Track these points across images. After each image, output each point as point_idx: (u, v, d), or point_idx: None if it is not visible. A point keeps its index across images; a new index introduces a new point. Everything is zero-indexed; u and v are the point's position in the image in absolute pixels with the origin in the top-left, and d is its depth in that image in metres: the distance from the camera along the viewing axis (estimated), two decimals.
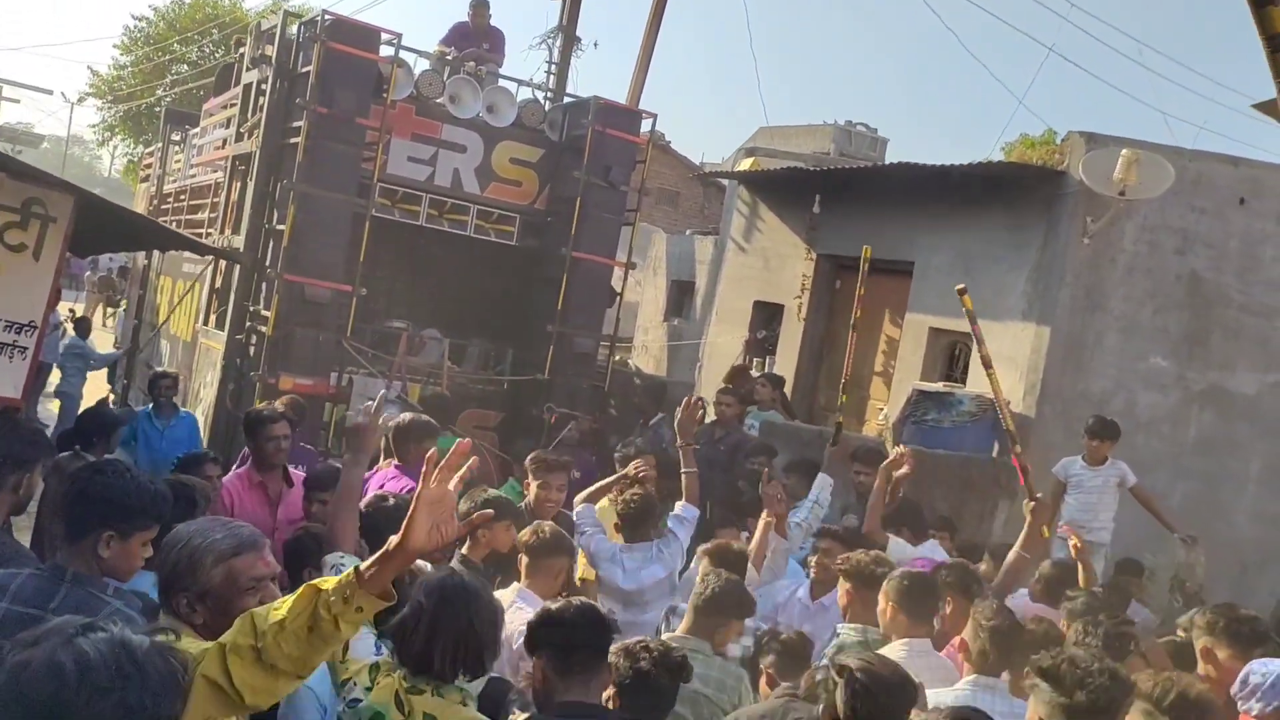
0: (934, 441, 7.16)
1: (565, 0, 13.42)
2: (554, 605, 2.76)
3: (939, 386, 7.88)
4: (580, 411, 7.89)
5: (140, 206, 13.57)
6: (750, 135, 15.43)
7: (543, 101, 8.44)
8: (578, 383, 8.17)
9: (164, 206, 11.80)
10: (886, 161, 14.35)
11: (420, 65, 8.07)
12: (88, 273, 24.10)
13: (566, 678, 2.61)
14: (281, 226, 7.28)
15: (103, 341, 14.57)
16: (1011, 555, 4.56)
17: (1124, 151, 6.90)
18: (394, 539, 2.02)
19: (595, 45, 13.57)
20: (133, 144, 29.88)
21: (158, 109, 21.45)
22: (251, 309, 7.67)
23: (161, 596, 2.32)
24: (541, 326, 8.11)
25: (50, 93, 42.76)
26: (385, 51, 7.60)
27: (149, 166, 14.19)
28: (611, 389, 8.74)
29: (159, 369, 8.88)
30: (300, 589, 1.98)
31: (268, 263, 7.52)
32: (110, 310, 21.43)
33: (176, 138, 12.09)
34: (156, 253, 11.39)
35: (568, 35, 13.47)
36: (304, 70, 7.38)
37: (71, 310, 13.76)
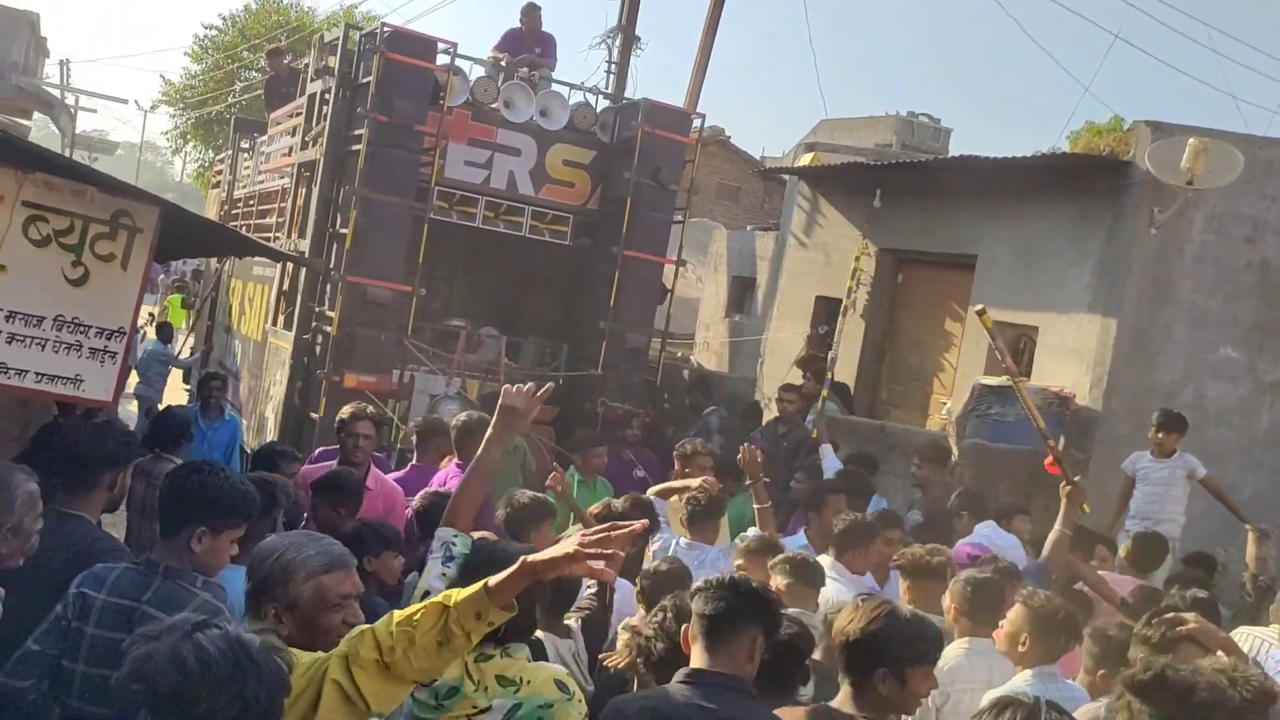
0: (998, 435, 7.14)
1: (624, 0, 13.46)
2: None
3: (1003, 380, 7.81)
4: (633, 405, 8.01)
5: (212, 211, 14.02)
6: (811, 128, 15.27)
7: (595, 104, 8.60)
8: (630, 377, 8.32)
9: (234, 211, 12.17)
10: (950, 152, 14.13)
11: (476, 72, 8.28)
12: (161, 276, 24.88)
13: (714, 649, 2.57)
14: (344, 230, 7.54)
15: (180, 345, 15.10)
16: (1053, 534, 4.60)
17: (1191, 140, 6.77)
18: (535, 559, 2.11)
19: (644, 44, 13.58)
20: (204, 150, 30.72)
21: (228, 115, 22.07)
22: (317, 310, 7.94)
23: (249, 602, 2.39)
24: (595, 323, 8.28)
25: (125, 101, 44.21)
26: (442, 60, 7.80)
27: (220, 173, 14.62)
28: (664, 383, 8.89)
29: (209, 371, 9.20)
30: (426, 605, 2.09)
31: (331, 265, 7.79)
32: (186, 313, 22.09)
33: (245, 145, 12.44)
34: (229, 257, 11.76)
35: (627, 35, 13.51)
36: (364, 80, 7.63)
37: (151, 315, 14.23)
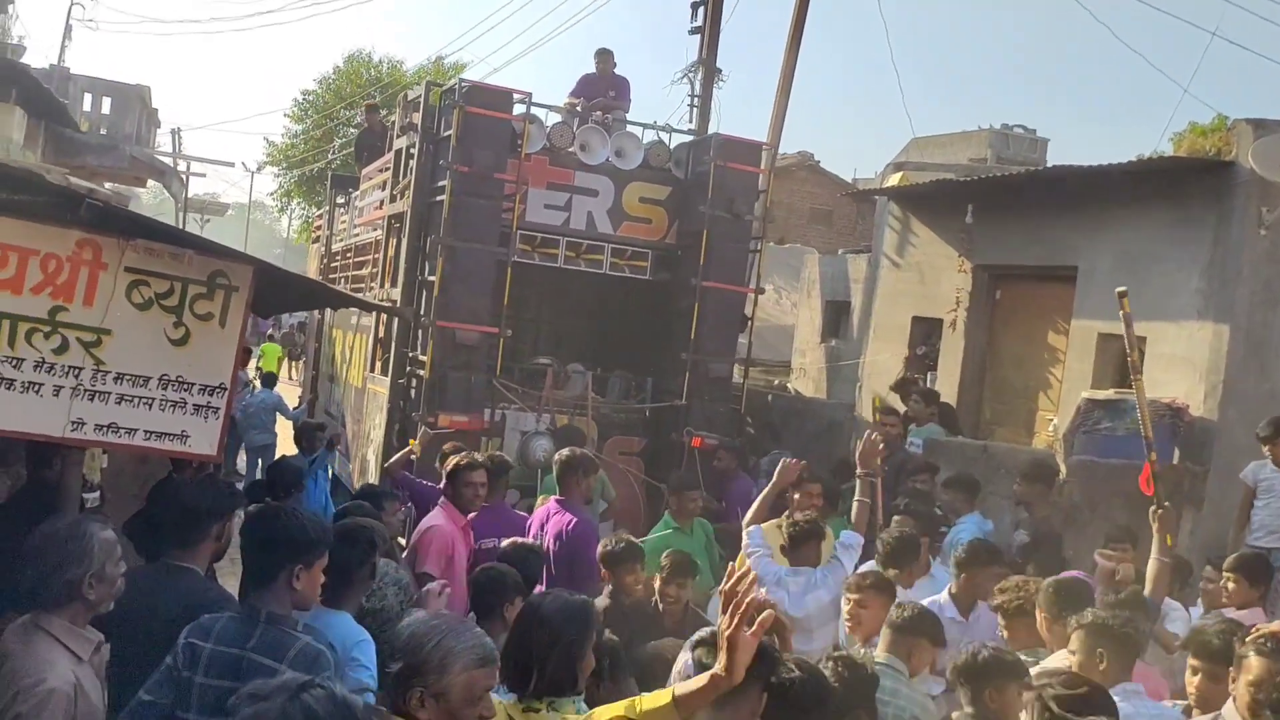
0: (1109, 451, 6.91)
1: (704, 34, 13.56)
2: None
3: (1110, 394, 7.49)
4: (719, 434, 8.07)
5: (313, 265, 14.63)
6: (902, 147, 15.05)
7: (669, 141, 8.79)
8: (714, 406, 8.42)
9: (333, 264, 12.68)
10: (1048, 162, 13.77)
11: (551, 118, 8.56)
12: (270, 330, 25.93)
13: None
14: (432, 278, 7.85)
15: (289, 394, 15.69)
16: (1152, 564, 4.43)
17: None
18: (718, 670, 2.15)
19: (725, 77, 13.64)
20: (307, 207, 32.05)
21: (327, 172, 22.98)
22: (410, 355, 8.25)
23: (393, 679, 2.39)
24: (677, 355, 8.41)
25: (231, 165, 46.79)
26: (518, 109, 8.11)
27: (319, 228, 15.23)
28: (748, 410, 8.94)
29: (307, 420, 9.63)
30: (612, 708, 2.23)
31: (422, 311, 8.09)
32: (294, 364, 22.97)
33: (341, 200, 13.02)
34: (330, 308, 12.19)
35: (708, 69, 13.57)
36: (445, 134, 7.95)
37: (259, 369, 14.83)
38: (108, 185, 21.06)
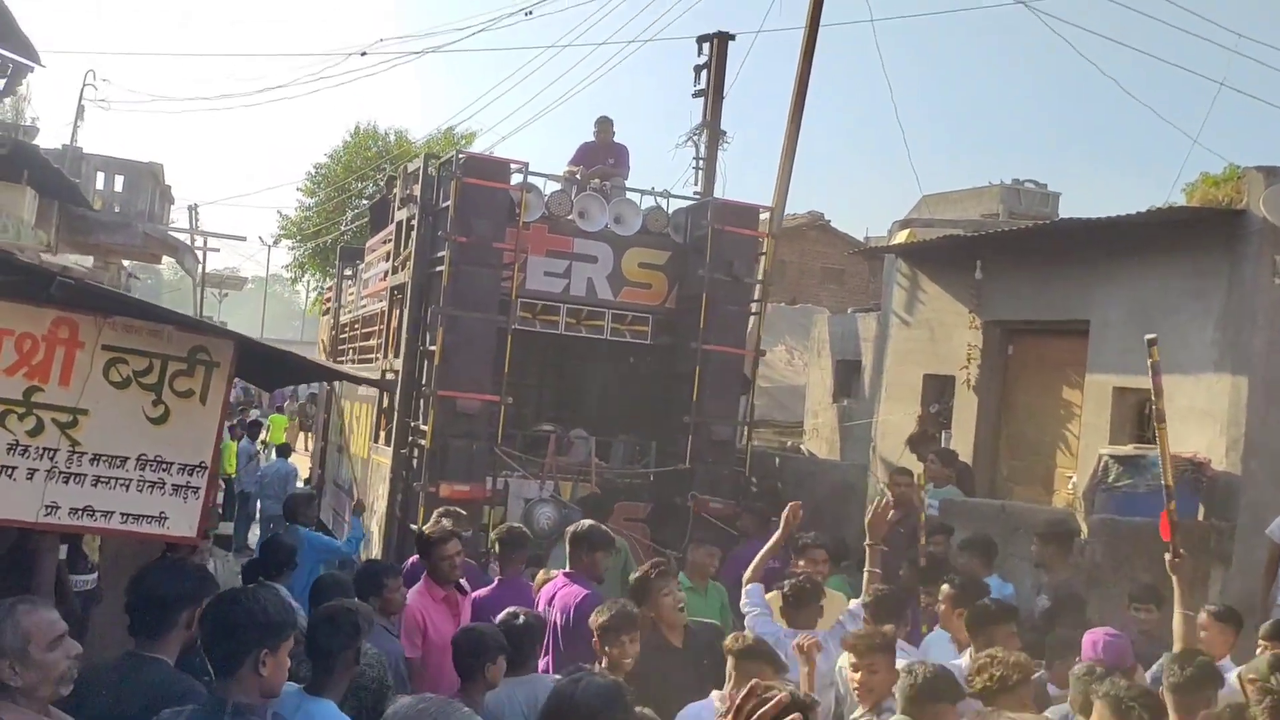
0: (1130, 509, 6.69)
1: (708, 98, 13.70)
2: None
3: (1129, 449, 7.34)
4: (723, 497, 8.04)
5: (323, 336, 14.71)
6: (914, 204, 15.09)
7: (667, 206, 8.86)
8: (718, 469, 8.38)
9: (342, 336, 12.77)
10: (1060, 216, 13.75)
11: (550, 186, 8.65)
12: (287, 401, 25.97)
13: None
14: (433, 347, 7.87)
15: (302, 465, 15.69)
16: (1177, 619, 4.27)
17: None
18: None
19: (730, 139, 13.80)
20: (322, 279, 32.38)
21: (339, 244, 23.25)
22: (412, 424, 8.25)
23: None
24: (680, 418, 8.40)
25: (243, 239, 47.47)
26: (517, 179, 8.20)
27: (329, 300, 15.34)
28: (752, 471, 8.86)
29: (297, 491, 9.65)
30: None
31: (423, 381, 8.09)
32: (307, 435, 22.96)
33: (349, 272, 13.14)
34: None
35: (712, 131, 13.74)
36: (444, 205, 8.02)
37: (264, 441, 14.83)
38: (125, 263, 21.44)
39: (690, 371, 8.33)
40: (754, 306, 8.80)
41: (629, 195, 8.85)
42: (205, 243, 26.76)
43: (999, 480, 9.30)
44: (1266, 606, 5.93)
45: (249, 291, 55.62)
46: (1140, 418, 7.99)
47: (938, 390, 10.02)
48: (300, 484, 12.70)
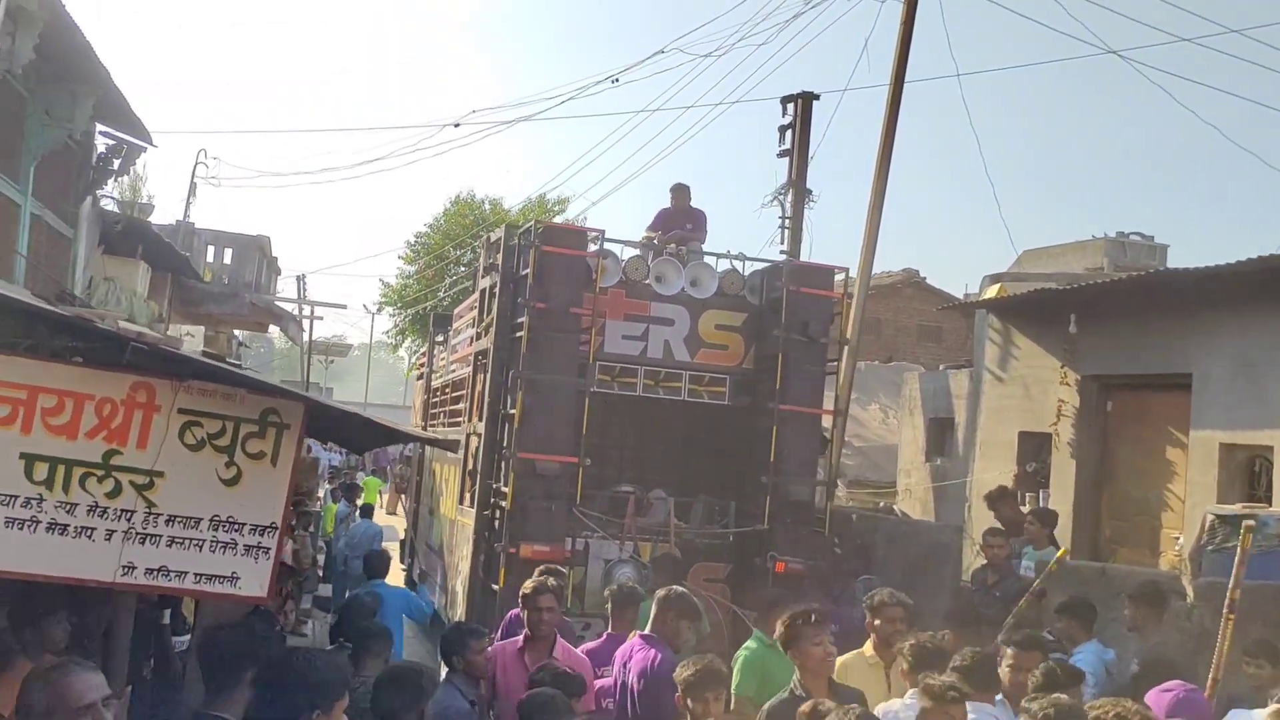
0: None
1: (793, 157, 13.71)
2: None
3: (1238, 509, 6.98)
4: (804, 557, 7.96)
5: (418, 401, 15.08)
6: (1014, 259, 14.75)
7: (743, 269, 8.95)
8: (797, 529, 8.29)
9: (433, 400, 13.10)
10: (1168, 267, 13.26)
11: (627, 252, 8.85)
12: (389, 465, 26.57)
13: None
14: (513, 410, 8.05)
15: (400, 526, 16.07)
16: None
17: None
18: None
19: (816, 197, 13.75)
20: (422, 344, 33.26)
21: (440, 310, 23.92)
22: (494, 486, 8.40)
23: None
24: (758, 478, 8.36)
25: (345, 306, 49.26)
26: (595, 246, 8.44)
27: (422, 365, 15.76)
28: (835, 530, 8.77)
29: (372, 550, 9.86)
30: None
31: (504, 444, 8.27)
32: (403, 498, 23.42)
33: (440, 338, 13.50)
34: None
35: (798, 190, 13.73)
36: (524, 273, 8.27)
37: (359, 504, 15.24)
38: (236, 332, 22.46)
39: (767, 431, 8.32)
40: (830, 365, 8.80)
41: (704, 259, 8.98)
42: (313, 311, 27.76)
43: (1101, 541, 9.01)
44: None
45: (355, 359, 57.43)
46: (1250, 475, 7.57)
47: (1034, 448, 9.77)
48: (385, 544, 12.95)
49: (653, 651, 4.91)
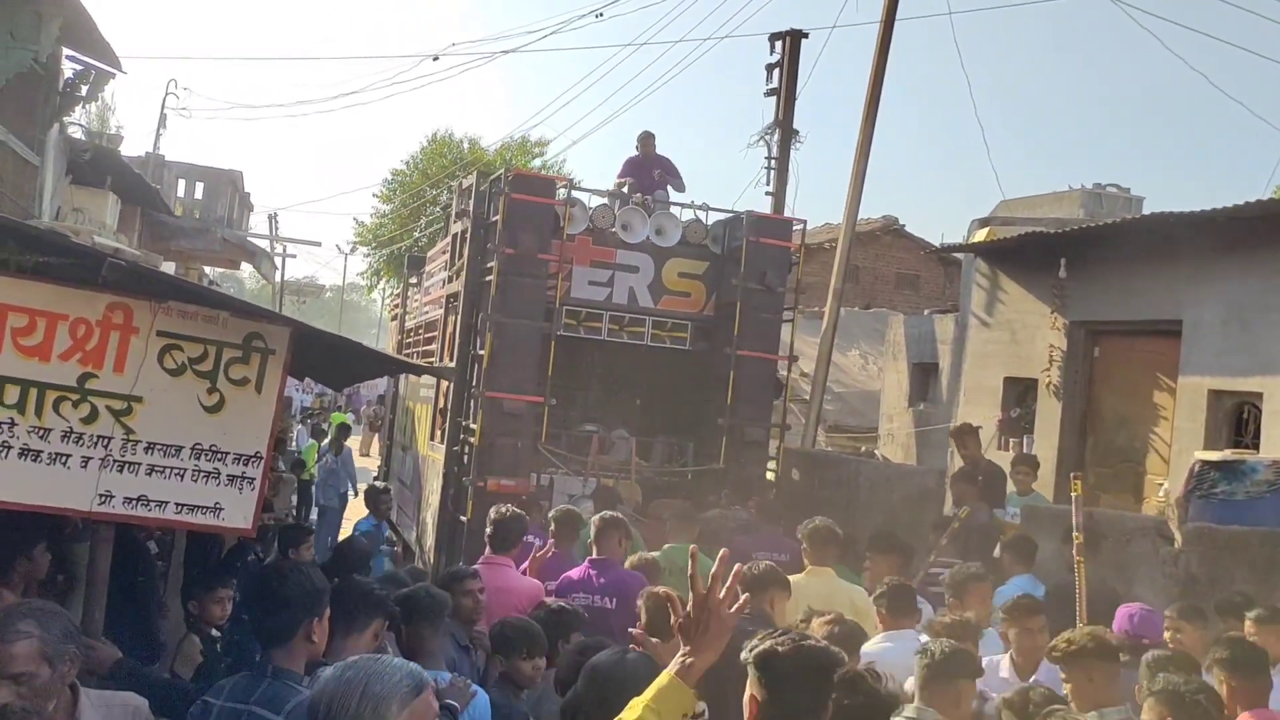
0: (1227, 517, 6.47)
1: (780, 96, 13.60)
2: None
3: (1226, 455, 7.13)
4: (754, 495, 8.25)
5: (391, 342, 15.14)
6: (991, 209, 14.86)
7: (706, 219, 9.28)
8: (751, 469, 8.76)
9: (407, 341, 13.28)
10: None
11: (594, 200, 9.15)
12: (364, 406, 26.44)
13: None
14: (482, 352, 8.36)
15: (371, 466, 16.09)
16: None
17: None
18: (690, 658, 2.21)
19: (802, 138, 13.68)
20: (397, 285, 32.95)
21: (415, 251, 23.66)
22: (464, 424, 8.73)
23: None
24: (715, 420, 8.77)
25: (318, 244, 48.36)
26: (563, 194, 8.75)
27: (396, 306, 15.72)
28: (785, 469, 9.17)
29: (373, 484, 10.22)
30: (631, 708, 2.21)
31: (473, 383, 8.58)
32: (375, 436, 23.40)
33: (414, 280, 13.52)
34: (404, 382, 12.64)
35: (784, 131, 13.67)
36: (494, 219, 8.53)
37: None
38: (207, 270, 22.13)
39: (725, 376, 8.68)
40: (787, 315, 9.10)
41: (670, 208, 9.28)
42: (284, 249, 27.37)
43: (1085, 487, 8.99)
44: None
45: (328, 300, 56.65)
46: (1237, 421, 7.66)
47: (1019, 393, 9.82)
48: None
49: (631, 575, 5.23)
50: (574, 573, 5.41)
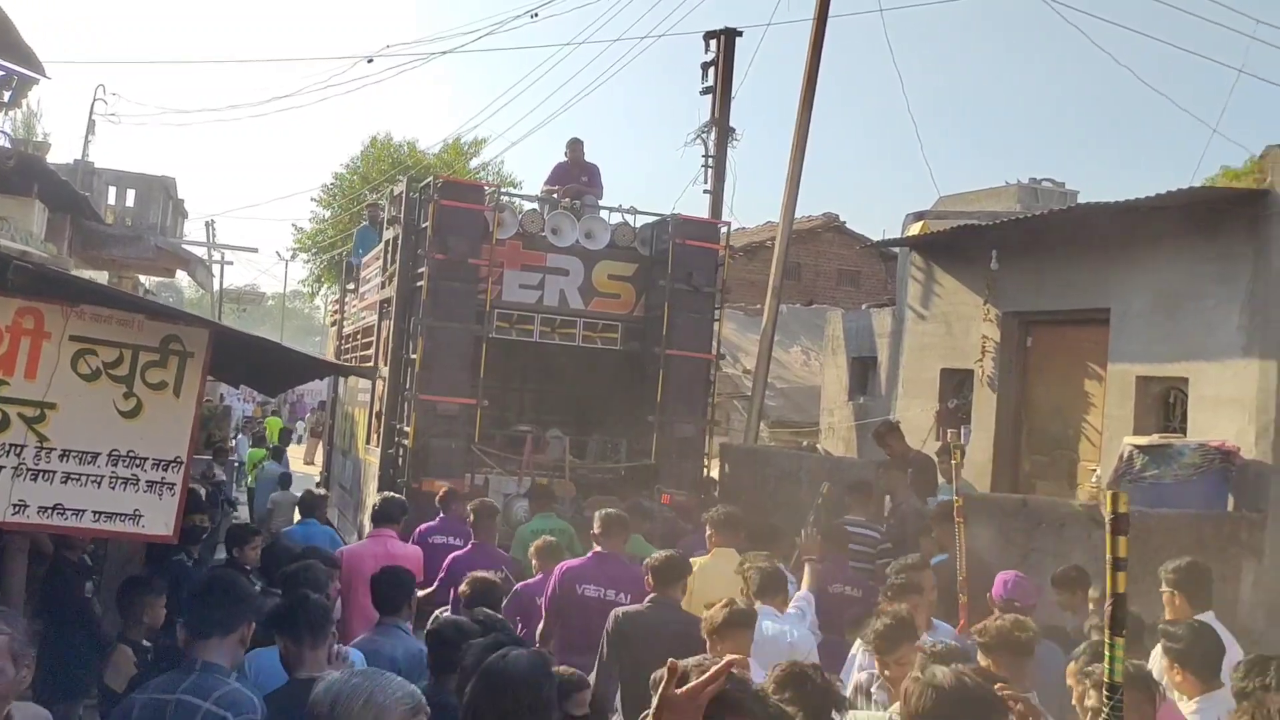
0: (1156, 500, 6.62)
1: (716, 94, 13.69)
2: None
3: (1155, 439, 7.27)
4: (686, 490, 8.56)
5: (331, 348, 15.04)
6: (930, 205, 15.15)
7: (634, 222, 9.44)
8: (682, 465, 8.94)
9: (345, 347, 13.24)
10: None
11: (524, 205, 9.30)
12: (307, 414, 26.04)
13: None
14: (415, 355, 8.47)
15: (314, 474, 15.90)
16: None
17: None
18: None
19: (739, 136, 13.81)
20: (339, 293, 32.50)
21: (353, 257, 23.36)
22: (398, 426, 8.82)
23: None
24: (646, 417, 8.94)
25: (255, 250, 47.26)
26: (494, 199, 8.84)
27: (335, 312, 15.60)
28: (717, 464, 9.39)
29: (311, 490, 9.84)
30: None
31: (407, 386, 8.66)
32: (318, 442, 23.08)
33: (351, 286, 13.51)
34: (343, 385, 12.58)
35: (721, 129, 13.75)
36: (424, 225, 8.62)
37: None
38: (142, 279, 21.66)
39: (655, 374, 8.88)
40: (717, 314, 9.30)
41: (599, 212, 9.43)
42: (222, 256, 26.89)
43: (1021, 476, 9.13)
44: None
45: (270, 307, 55.56)
46: (1165, 406, 7.82)
47: (956, 385, 9.85)
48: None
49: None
50: (575, 563, 5.43)
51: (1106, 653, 2.47)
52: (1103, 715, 2.44)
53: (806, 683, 2.89)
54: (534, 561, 5.79)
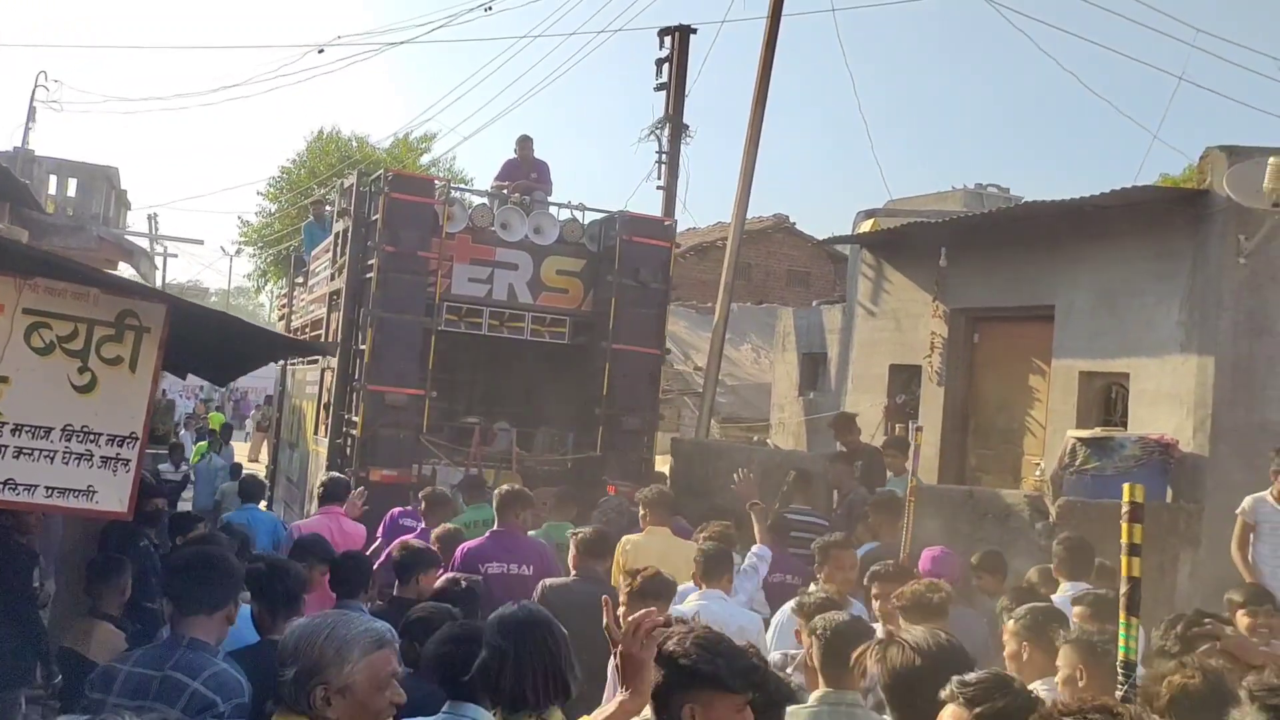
0: (1098, 491, 6.73)
1: (670, 90, 13.79)
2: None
3: (1097, 432, 7.44)
4: (633, 482, 8.56)
5: None
6: (881, 205, 15.45)
7: (583, 218, 9.60)
8: (628, 456, 9.11)
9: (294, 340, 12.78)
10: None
11: (475, 200, 9.40)
12: (251, 411, 25.64)
13: None
14: (364, 346, 8.58)
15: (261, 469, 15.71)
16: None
17: (1271, 160, 6.46)
18: (623, 698, 2.20)
19: (693, 133, 13.96)
20: (286, 287, 32.06)
21: (300, 252, 23.06)
22: (346, 416, 8.93)
23: (291, 685, 2.29)
24: (593, 410, 9.11)
25: (201, 242, 46.42)
26: (444, 193, 8.92)
27: (283, 306, 15.48)
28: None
29: (250, 475, 10.21)
30: None
31: (355, 376, 8.77)
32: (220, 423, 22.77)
33: (299, 280, 13.54)
34: (290, 379, 12.45)
35: (674, 126, 13.88)
36: (374, 218, 8.71)
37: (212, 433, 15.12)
38: None
39: (602, 368, 9.04)
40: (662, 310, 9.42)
41: (548, 208, 9.58)
42: (165, 249, 26.40)
43: (967, 469, 9.33)
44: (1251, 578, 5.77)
45: (213, 303, 54.67)
46: (1107, 401, 8.03)
47: (904, 380, 10.02)
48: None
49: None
50: (474, 543, 5.54)
51: (1121, 632, 2.62)
52: (1119, 692, 2.55)
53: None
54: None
